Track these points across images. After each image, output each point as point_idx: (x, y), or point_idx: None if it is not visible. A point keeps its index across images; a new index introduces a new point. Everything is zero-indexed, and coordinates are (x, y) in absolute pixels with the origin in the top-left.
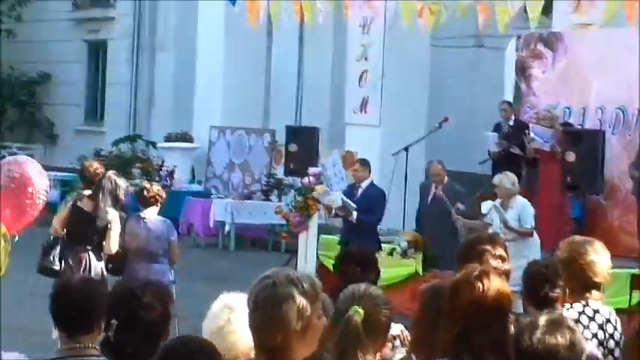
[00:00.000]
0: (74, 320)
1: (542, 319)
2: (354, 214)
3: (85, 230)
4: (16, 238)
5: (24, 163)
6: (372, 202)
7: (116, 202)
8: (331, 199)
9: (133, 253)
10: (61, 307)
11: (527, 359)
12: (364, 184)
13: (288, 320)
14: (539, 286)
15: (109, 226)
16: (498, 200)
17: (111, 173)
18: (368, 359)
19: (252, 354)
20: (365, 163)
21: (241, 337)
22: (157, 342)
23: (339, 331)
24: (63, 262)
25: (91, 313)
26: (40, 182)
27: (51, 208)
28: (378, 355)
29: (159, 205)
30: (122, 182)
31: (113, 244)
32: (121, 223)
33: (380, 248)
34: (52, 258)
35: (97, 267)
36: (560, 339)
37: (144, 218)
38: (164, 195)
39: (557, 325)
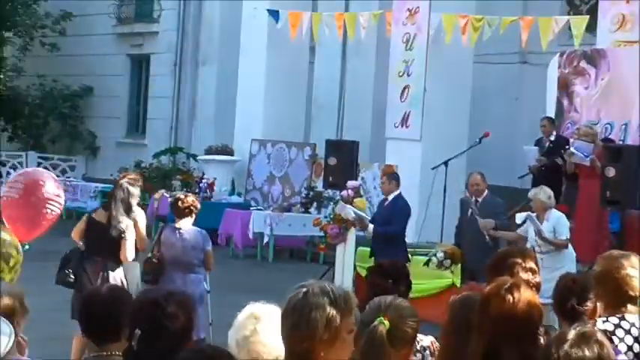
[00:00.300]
0: (101, 328)
1: (572, 333)
2: (370, 226)
3: (100, 241)
4: (27, 247)
5: (32, 173)
6: (394, 213)
7: (129, 210)
8: (346, 212)
9: (169, 264)
10: (89, 315)
11: None
12: (391, 197)
13: (314, 328)
14: (565, 298)
15: (122, 235)
16: (534, 214)
17: (124, 181)
18: None
19: None
20: (391, 177)
21: (267, 346)
22: (180, 351)
23: (363, 341)
24: (83, 272)
25: (118, 322)
26: (51, 191)
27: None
28: None
29: (193, 215)
30: (135, 190)
31: (129, 252)
32: (158, 232)
33: (407, 260)
34: (67, 270)
35: (116, 277)
36: (588, 353)
37: (179, 229)
38: (199, 206)
39: (586, 338)
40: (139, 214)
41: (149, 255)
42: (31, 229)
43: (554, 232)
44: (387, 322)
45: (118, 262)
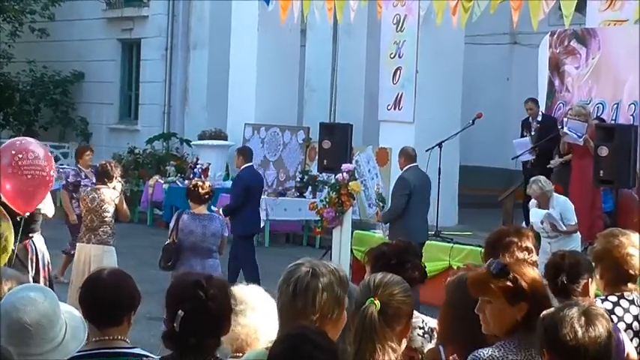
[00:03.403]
0: (103, 313)
1: (574, 311)
2: None
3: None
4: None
5: (9, 145)
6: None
7: None
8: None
9: (188, 250)
10: (90, 299)
11: (569, 353)
12: None
13: (328, 308)
14: (554, 275)
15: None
16: (534, 202)
17: None
18: (389, 348)
19: (257, 344)
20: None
21: (245, 327)
22: (220, 335)
23: (356, 323)
24: None
25: (120, 306)
26: (29, 155)
27: None
28: (404, 341)
29: (210, 201)
30: None
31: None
32: (175, 219)
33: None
34: None
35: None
36: (601, 329)
37: (199, 215)
38: (214, 192)
39: (593, 315)
40: None
41: (167, 241)
42: (28, 198)
43: (562, 218)
44: (377, 302)
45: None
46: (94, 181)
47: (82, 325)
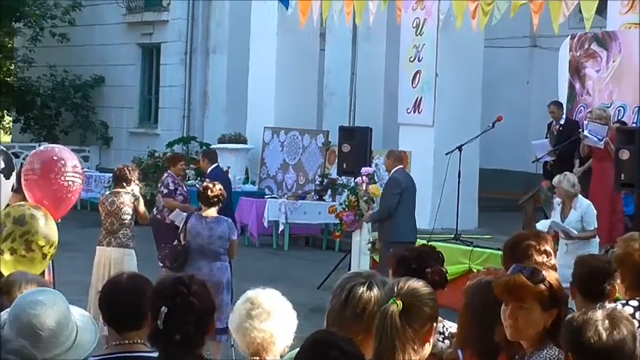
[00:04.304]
0: (123, 317)
1: (599, 314)
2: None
3: None
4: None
5: (44, 151)
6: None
7: None
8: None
9: (195, 252)
10: (110, 304)
11: (593, 355)
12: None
13: (372, 320)
14: (598, 279)
15: None
16: (557, 200)
17: None
18: (410, 349)
19: (274, 348)
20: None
21: (262, 332)
22: (205, 332)
23: (376, 322)
24: None
25: (139, 310)
26: (64, 163)
27: None
28: (427, 345)
29: (220, 204)
30: None
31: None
32: (184, 221)
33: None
34: None
35: None
36: (625, 331)
37: (206, 217)
38: (225, 195)
39: (618, 318)
40: None
41: (174, 243)
42: (57, 204)
43: (582, 221)
44: (399, 302)
45: None
46: (185, 190)
47: (93, 327)
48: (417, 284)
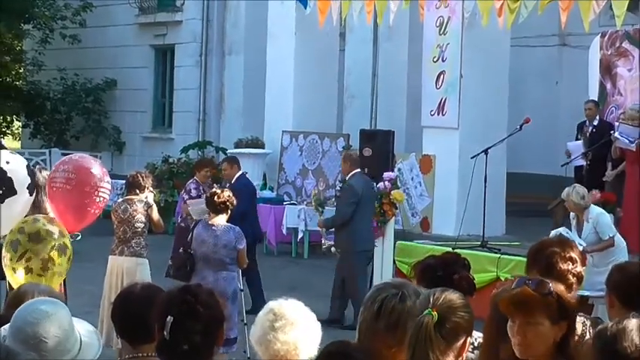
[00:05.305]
0: (135, 328)
1: (633, 323)
2: None
3: None
4: (79, 237)
5: (79, 160)
6: None
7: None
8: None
9: (200, 260)
10: (123, 315)
11: None
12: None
13: (405, 331)
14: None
15: None
16: (572, 213)
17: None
18: None
19: None
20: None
21: (285, 344)
22: (214, 343)
23: (410, 333)
24: None
25: (152, 322)
26: (100, 177)
27: None
28: (460, 359)
29: (229, 211)
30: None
31: None
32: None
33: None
34: None
35: None
36: None
37: (212, 225)
38: (235, 201)
39: None
40: None
41: (180, 250)
42: (82, 218)
43: (596, 232)
44: (435, 314)
45: None
46: None
47: (95, 336)
48: (453, 296)
